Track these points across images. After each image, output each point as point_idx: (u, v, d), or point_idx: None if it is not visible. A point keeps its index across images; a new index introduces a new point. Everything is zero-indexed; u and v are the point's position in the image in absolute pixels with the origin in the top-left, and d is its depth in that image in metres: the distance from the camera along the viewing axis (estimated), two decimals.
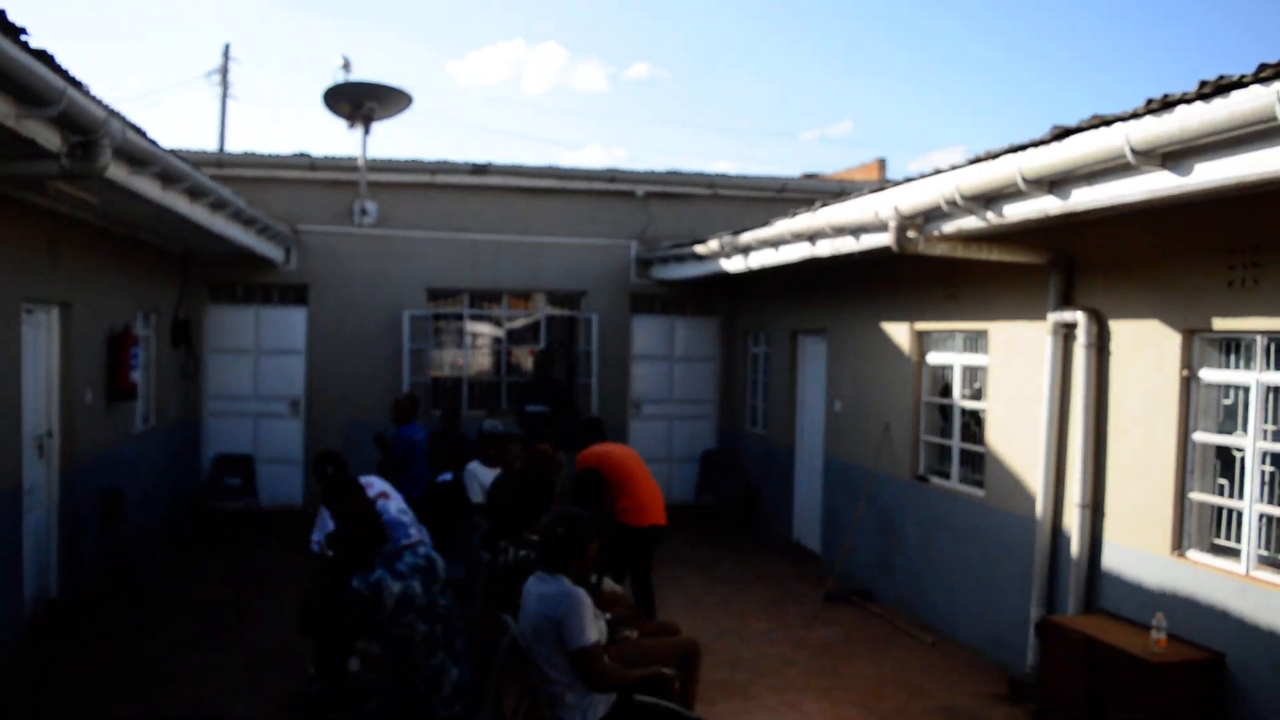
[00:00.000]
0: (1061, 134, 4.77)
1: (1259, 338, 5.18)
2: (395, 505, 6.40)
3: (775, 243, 8.61)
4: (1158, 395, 5.68)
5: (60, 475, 7.83)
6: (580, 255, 12.32)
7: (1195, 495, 5.53)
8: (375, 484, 6.75)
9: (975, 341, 7.69)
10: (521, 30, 75.36)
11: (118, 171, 5.26)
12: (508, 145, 66.89)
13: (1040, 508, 6.57)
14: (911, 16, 68.83)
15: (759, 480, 11.69)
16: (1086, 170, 4.71)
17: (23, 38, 3.69)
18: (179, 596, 8.39)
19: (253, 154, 11.64)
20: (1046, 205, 5.13)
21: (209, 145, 20.64)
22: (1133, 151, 4.26)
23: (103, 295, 8.63)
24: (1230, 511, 5.40)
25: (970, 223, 5.82)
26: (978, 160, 5.53)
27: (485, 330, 12.80)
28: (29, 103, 3.97)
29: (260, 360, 11.86)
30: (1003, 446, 7.13)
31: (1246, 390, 5.28)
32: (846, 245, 7.38)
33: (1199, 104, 3.94)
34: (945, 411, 8.14)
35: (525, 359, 12.85)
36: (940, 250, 6.35)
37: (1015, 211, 5.40)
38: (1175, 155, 4.25)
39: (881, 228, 6.56)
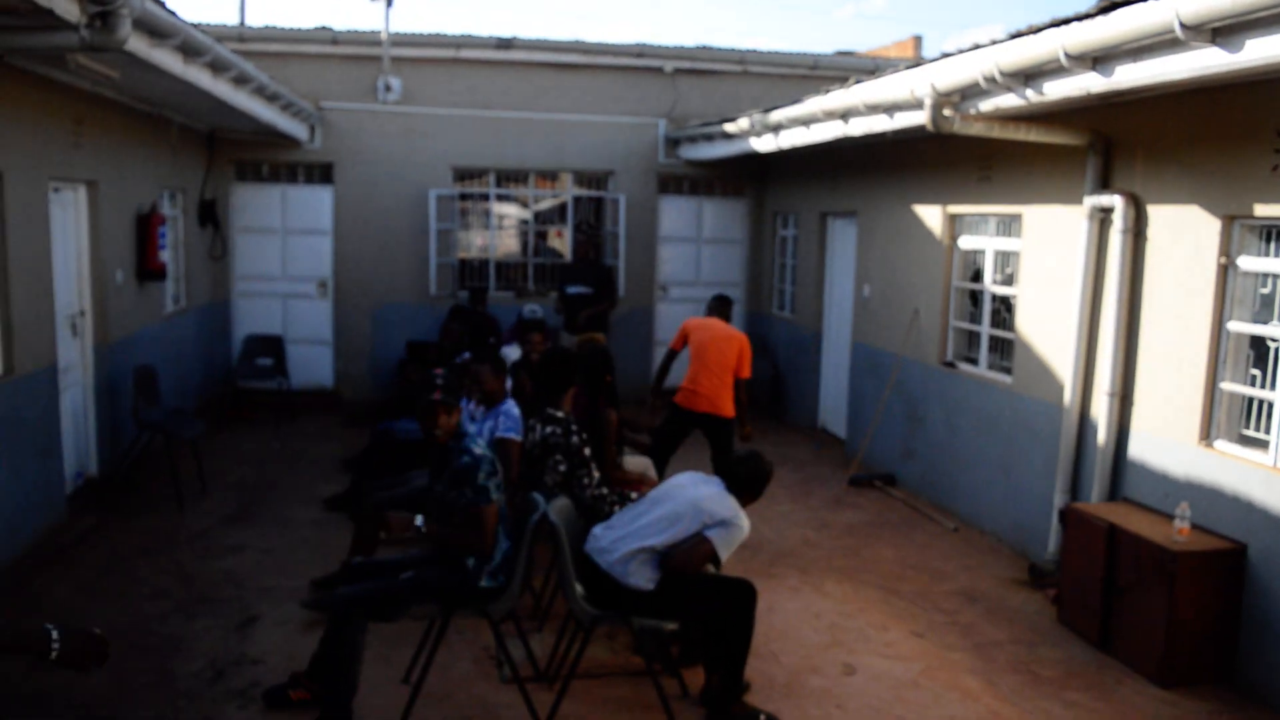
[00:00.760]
0: (1107, 7, 4.58)
1: None
2: None
3: (807, 121, 8.42)
4: (1194, 283, 5.58)
5: (94, 354, 7.92)
6: (608, 134, 12.11)
7: (1226, 385, 5.46)
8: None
9: (1009, 225, 7.56)
10: None
11: (138, 44, 5.16)
12: (533, 18, 65.22)
13: (1068, 395, 6.53)
14: None
15: (786, 365, 11.69)
16: (1132, 46, 4.53)
17: None
18: (213, 474, 8.57)
19: (274, 28, 11.41)
20: (1089, 83, 4.96)
21: (230, 18, 20.29)
22: (1182, 26, 4.08)
23: (129, 174, 8.59)
24: (1261, 403, 5.34)
25: (1009, 101, 5.65)
26: (1019, 35, 5.34)
27: (512, 211, 12.70)
28: None
29: (288, 240, 11.85)
30: (1033, 333, 7.06)
31: None
32: (880, 124, 7.21)
33: None
34: (975, 297, 8.06)
35: (553, 239, 12.79)
36: (976, 130, 6.19)
37: (1056, 89, 5.23)
38: (1226, 31, 4.07)
39: (917, 105, 6.39)
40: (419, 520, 6.91)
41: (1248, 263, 5.34)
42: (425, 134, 11.74)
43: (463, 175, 12.11)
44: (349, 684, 4.31)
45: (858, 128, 7.60)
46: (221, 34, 10.81)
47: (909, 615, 6.08)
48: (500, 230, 12.52)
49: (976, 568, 6.93)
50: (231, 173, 11.61)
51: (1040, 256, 6.99)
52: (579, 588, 4.57)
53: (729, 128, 10.10)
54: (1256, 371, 5.38)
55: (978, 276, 8.02)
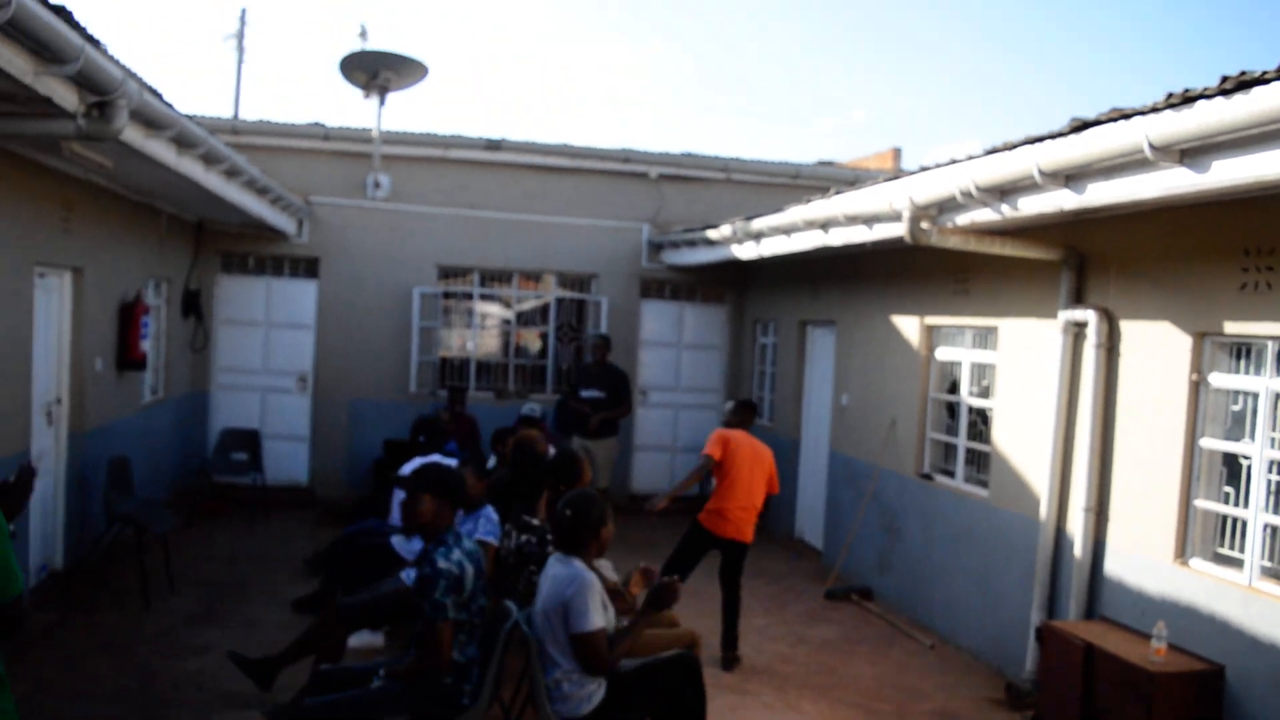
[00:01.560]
0: (1080, 126, 4.74)
1: (1270, 343, 5.13)
2: None
3: (788, 230, 8.59)
4: (1166, 399, 5.65)
5: (68, 443, 7.84)
6: (592, 236, 12.29)
7: (1200, 503, 5.49)
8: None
9: (985, 338, 7.66)
10: (541, 5, 74.93)
11: (134, 134, 5.25)
12: (521, 118, 66.62)
13: (1044, 510, 6.54)
14: (928, 5, 68.40)
15: None
16: (1104, 165, 4.67)
17: None
18: (182, 569, 8.41)
19: (267, 122, 11.62)
20: (1062, 199, 5.10)
21: (224, 110, 20.63)
22: (1151, 147, 4.23)
23: (115, 262, 8.64)
24: (1235, 520, 5.37)
25: (984, 215, 5.79)
26: (994, 151, 5.50)
27: (494, 310, 12.79)
28: (47, 59, 3.95)
29: (270, 333, 11.86)
30: (1009, 446, 7.10)
31: (1256, 397, 5.24)
32: (859, 234, 7.36)
33: (1220, 100, 3.89)
34: (952, 409, 8.12)
35: (532, 339, 12.85)
36: (953, 243, 6.33)
37: (1030, 205, 5.37)
38: (1194, 152, 4.21)
39: (895, 218, 6.53)
40: (378, 638, 6.79)
41: (1219, 379, 5.42)
42: (412, 231, 11.88)
43: (447, 273, 12.22)
44: None
45: (837, 238, 7.76)
46: (215, 126, 10.97)
47: None
48: (483, 330, 12.58)
49: (954, 686, 6.83)
50: (217, 264, 11.67)
51: (1016, 369, 7.07)
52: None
53: (711, 234, 10.28)
54: (1229, 489, 5.41)
55: (954, 388, 8.09)
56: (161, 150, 5.89)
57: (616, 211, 12.35)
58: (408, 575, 6.21)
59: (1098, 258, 6.26)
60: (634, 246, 12.37)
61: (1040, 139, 5.06)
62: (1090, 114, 4.78)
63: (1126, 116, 4.41)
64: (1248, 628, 5.01)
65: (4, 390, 6.50)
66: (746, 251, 9.67)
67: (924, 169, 6.36)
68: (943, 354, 8.20)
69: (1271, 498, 5.15)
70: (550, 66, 74.64)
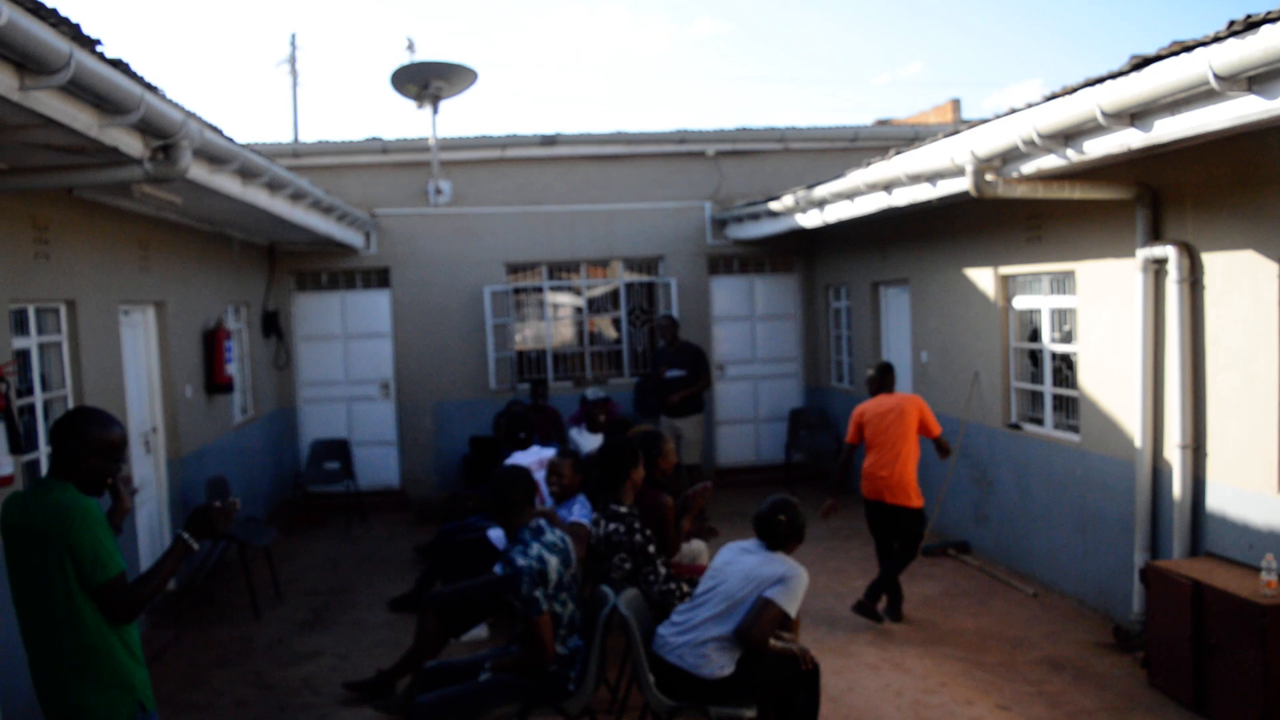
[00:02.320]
0: (1140, 64, 4.60)
1: None
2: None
3: (850, 194, 8.49)
4: (1256, 328, 5.48)
5: (167, 469, 8.12)
6: (655, 219, 12.29)
7: None
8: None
9: (1062, 283, 7.51)
10: None
11: (199, 171, 5.40)
12: (575, 113, 66.74)
13: (1139, 450, 6.41)
14: None
15: None
16: (1168, 100, 4.54)
17: (98, 48, 3.80)
18: (287, 579, 8.67)
19: (326, 142, 11.83)
20: (1128, 139, 4.96)
21: (283, 132, 21.01)
22: (1216, 77, 4.09)
23: (194, 292, 8.89)
24: None
25: (1050, 161, 5.67)
26: (1054, 97, 5.37)
27: (565, 300, 12.88)
28: (109, 111, 4.09)
29: (349, 345, 12.10)
30: (1097, 389, 6.96)
31: None
32: (923, 193, 7.25)
33: None
34: (1035, 356, 7.98)
35: (606, 325, 12.92)
36: (1020, 192, 6.20)
37: (1096, 147, 5.24)
38: (1262, 78, 4.07)
39: (959, 173, 6.43)
40: (483, 630, 6.97)
41: None
42: (477, 233, 12.00)
43: (515, 269, 12.33)
44: None
45: (901, 198, 7.65)
46: (276, 152, 11.23)
47: (994, 688, 5.92)
48: (555, 321, 12.68)
49: (1059, 634, 6.75)
50: (292, 283, 11.94)
51: (1098, 312, 6.92)
52: (653, 678, 4.54)
53: (774, 206, 10.21)
54: None
55: (1035, 336, 7.94)
56: (227, 183, 6.04)
57: (677, 192, 12.32)
58: (499, 568, 6.33)
59: (1172, 192, 6.09)
60: (698, 225, 12.34)
61: (1101, 80, 4.92)
62: (1150, 50, 4.64)
63: (1189, 49, 4.26)
64: None
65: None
66: (811, 220, 9.59)
67: (984, 121, 6.23)
68: (1020, 303, 8.05)
69: None
70: (599, 55, 74.54)
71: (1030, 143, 5.55)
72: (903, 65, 64.66)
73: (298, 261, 11.82)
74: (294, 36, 30.36)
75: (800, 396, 12.69)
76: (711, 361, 12.28)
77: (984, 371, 8.41)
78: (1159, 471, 6.35)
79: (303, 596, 8.33)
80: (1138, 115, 4.85)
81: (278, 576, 8.48)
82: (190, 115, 4.68)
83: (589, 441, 8.86)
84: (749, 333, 12.61)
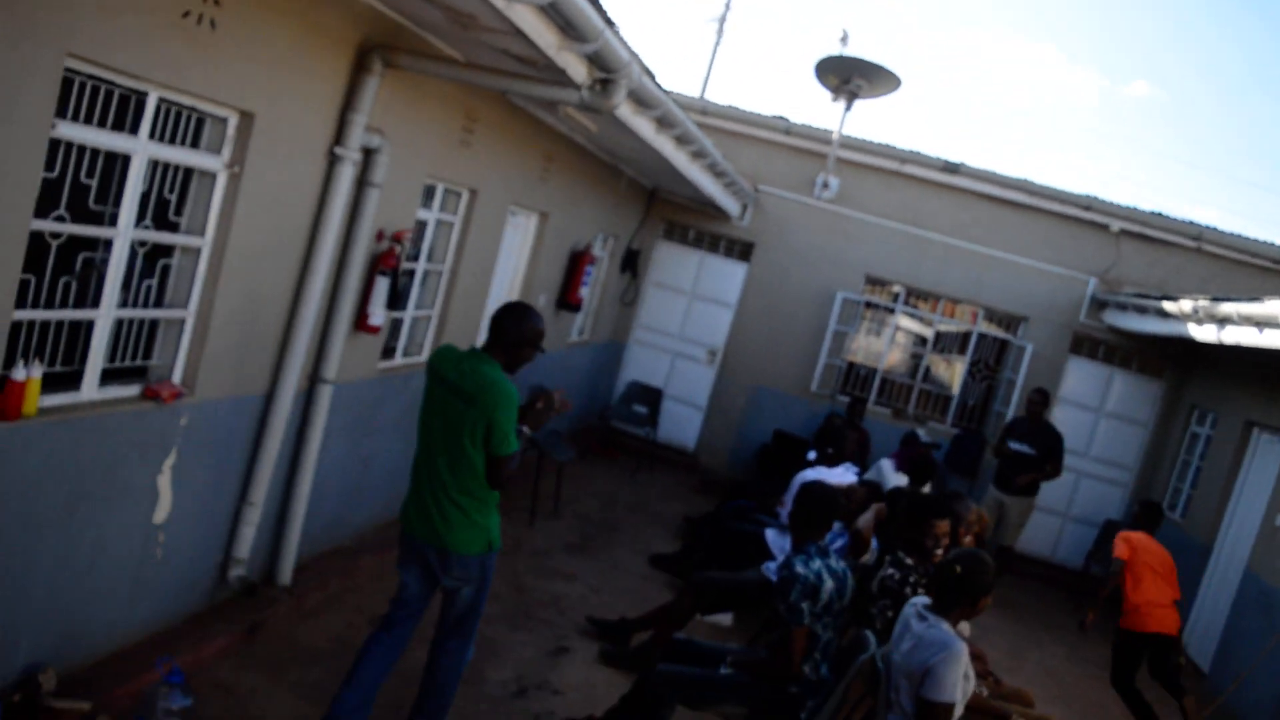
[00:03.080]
0: None
1: None
2: None
3: (1262, 323, 7.65)
4: None
5: None
6: (1031, 279, 11.67)
7: None
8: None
9: None
10: (1022, 26, 71.73)
11: (625, 110, 5.67)
12: (976, 142, 64.41)
13: None
14: None
15: None
16: None
17: None
18: (568, 499, 9.10)
19: (735, 108, 12.06)
20: None
21: (692, 89, 21.65)
22: None
23: (576, 212, 9.40)
24: None
25: None
26: None
27: (912, 327, 12.55)
28: (571, 37, 4.36)
29: (693, 304, 12.42)
30: None
31: None
32: None
33: None
34: None
35: (942, 367, 12.49)
36: None
37: None
38: None
39: None
40: (728, 618, 7.03)
41: None
42: (849, 236, 11.91)
43: (873, 282, 12.14)
44: None
45: None
46: (686, 105, 11.59)
47: None
48: (894, 345, 12.40)
49: None
50: (660, 230, 12.37)
51: None
52: None
53: (1168, 306, 9.40)
54: None
55: None
56: (643, 126, 6.30)
57: (1064, 258, 11.62)
58: (769, 568, 6.34)
59: None
60: (1074, 298, 11.60)
61: None
62: None
63: None
64: None
65: (464, 308, 7.36)
66: (1205, 333, 8.74)
67: None
68: None
69: None
70: (1017, 93, 71.47)
71: None
72: None
73: (672, 211, 12.23)
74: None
75: (1121, 509, 11.74)
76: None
77: None
78: None
79: (576, 520, 8.72)
80: None
81: (560, 494, 8.91)
82: (635, 57, 4.89)
83: (895, 479, 8.63)
84: (1090, 425, 11.76)
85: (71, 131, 3.57)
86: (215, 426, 4.74)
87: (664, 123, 6.62)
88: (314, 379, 5.44)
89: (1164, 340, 10.52)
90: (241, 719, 4.38)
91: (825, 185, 11.86)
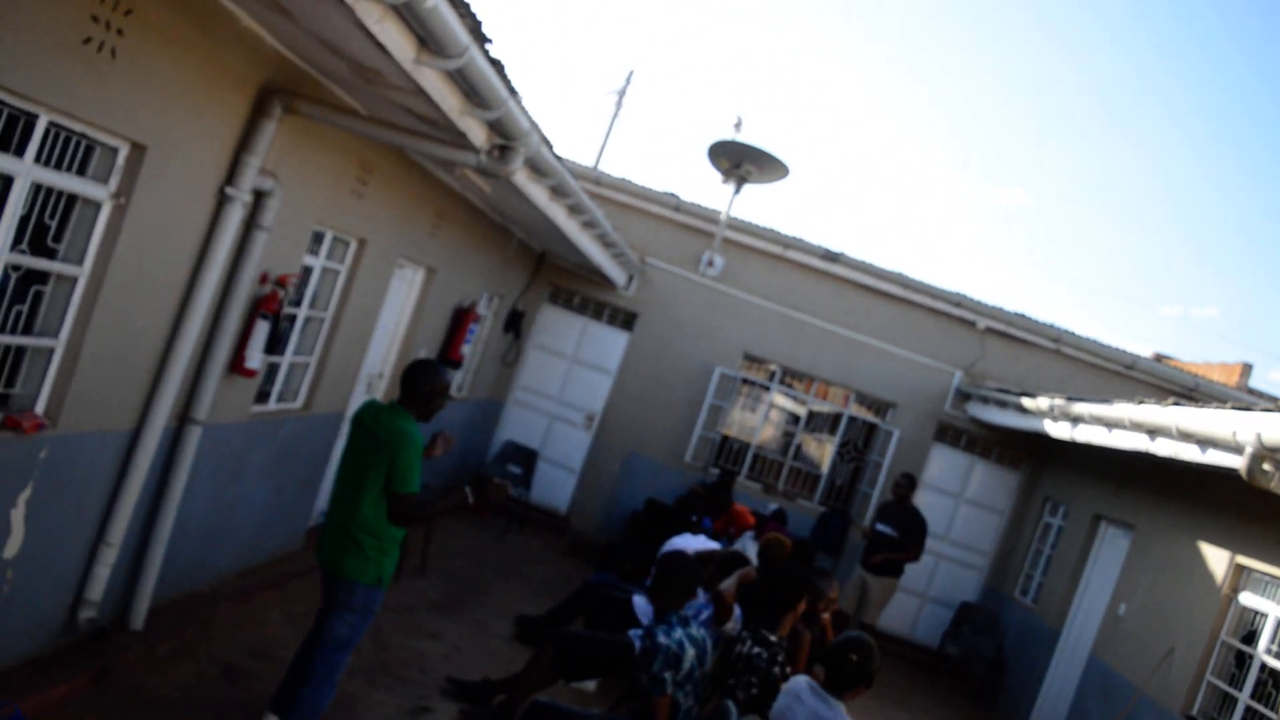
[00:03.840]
0: None
1: None
2: None
3: (1111, 424, 8.12)
4: None
5: None
6: (901, 368, 12.13)
7: None
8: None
9: None
10: (907, 128, 75.15)
11: (520, 177, 5.77)
12: (849, 226, 66.74)
13: None
14: None
15: (1011, 651, 11.00)
16: None
17: (486, 46, 4.14)
18: (436, 556, 8.97)
19: (628, 181, 12.29)
20: None
21: (586, 156, 21.94)
22: None
23: (463, 270, 9.42)
24: None
25: None
26: None
27: (786, 405, 12.87)
28: (474, 104, 4.44)
29: (573, 368, 12.50)
30: None
31: None
32: (1188, 453, 6.86)
33: None
34: (1242, 658, 7.36)
35: (814, 446, 12.80)
36: None
37: None
38: None
39: (1235, 450, 6.05)
40: (592, 684, 7.02)
41: None
42: (730, 313, 12.19)
43: (751, 360, 12.43)
44: None
45: (1163, 449, 7.26)
46: (580, 173, 11.82)
47: None
48: (768, 422, 12.67)
49: None
50: (546, 294, 12.47)
51: None
52: None
53: (1026, 403, 9.88)
54: None
55: (1251, 639, 7.34)
56: (537, 193, 6.42)
57: (933, 350, 12.14)
58: (635, 635, 6.36)
59: None
60: (940, 388, 12.10)
61: None
62: None
63: None
64: None
65: (343, 356, 7.28)
66: (1059, 431, 9.22)
67: (1277, 403, 5.86)
68: (1247, 599, 7.47)
69: None
70: (899, 188, 74.50)
71: None
72: (1197, 304, 61.25)
73: (560, 276, 12.34)
74: (631, 73, 31.95)
75: (976, 592, 12.16)
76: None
77: (1181, 652, 7.83)
78: None
79: (443, 578, 8.60)
80: None
81: (428, 551, 8.78)
82: (535, 126, 5.01)
83: (753, 552, 8.78)
84: (950, 510, 12.19)
85: None
86: (76, 461, 4.57)
87: (558, 191, 6.74)
88: (184, 419, 5.30)
89: (1022, 434, 11.03)
90: None
91: (710, 263, 12.15)
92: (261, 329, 5.65)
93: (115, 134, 4.17)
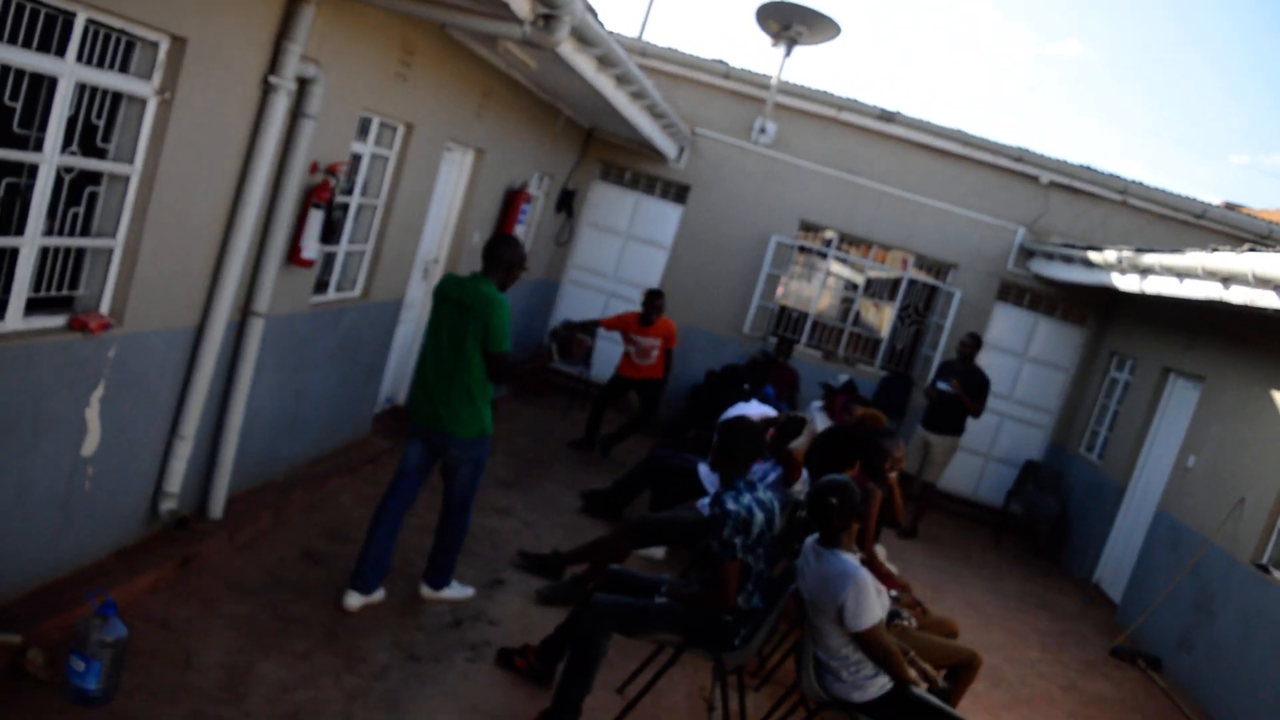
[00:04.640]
0: None
1: None
2: None
3: (1182, 274, 7.88)
4: None
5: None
6: (960, 227, 11.87)
7: None
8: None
9: None
10: None
11: (566, 47, 5.62)
12: (911, 95, 64.79)
13: None
14: None
15: (1076, 508, 11.01)
16: None
17: None
18: (502, 436, 9.10)
19: (674, 50, 11.97)
20: None
21: (629, 27, 21.40)
22: None
23: (512, 150, 9.31)
24: None
25: None
26: None
27: (844, 273, 12.72)
28: None
29: (627, 245, 12.42)
30: None
31: None
32: (1265, 299, 6.64)
33: None
34: None
35: (872, 311, 12.69)
36: None
37: None
38: None
39: None
40: (660, 552, 7.17)
41: None
42: (784, 181, 11.97)
43: (807, 227, 12.24)
44: (584, 684, 4.51)
45: (1238, 296, 7.04)
46: (627, 45, 11.49)
47: None
48: (826, 289, 12.55)
49: None
50: (597, 171, 12.32)
51: None
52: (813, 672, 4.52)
53: (1093, 256, 9.63)
54: None
55: None
56: (584, 64, 6.26)
57: (994, 208, 11.83)
58: (703, 505, 6.46)
59: None
60: (1003, 247, 11.83)
61: None
62: None
63: None
64: None
65: (398, 242, 7.29)
66: (1128, 283, 8.98)
67: None
68: None
69: None
70: (954, 45, 71.78)
71: None
72: (1268, 151, 58.88)
73: (609, 152, 12.16)
74: None
75: (1041, 451, 12.12)
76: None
77: (1252, 501, 7.76)
78: None
79: (510, 456, 8.75)
80: None
81: (495, 430, 8.89)
82: None
83: (820, 421, 8.80)
84: (1014, 370, 12.06)
85: None
86: (144, 359, 4.66)
87: (605, 62, 6.57)
88: (246, 312, 5.37)
89: (1087, 289, 10.81)
90: (175, 652, 4.37)
91: (762, 130, 11.88)
92: (315, 218, 5.66)
93: (154, 28, 4.11)
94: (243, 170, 4.96)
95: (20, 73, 3.65)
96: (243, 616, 4.85)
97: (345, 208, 6.38)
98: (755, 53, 60.55)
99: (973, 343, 10.35)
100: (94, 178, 4.22)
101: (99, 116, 4.11)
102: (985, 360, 11.66)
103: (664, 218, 12.32)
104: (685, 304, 12.14)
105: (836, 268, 12.58)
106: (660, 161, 12.03)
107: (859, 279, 12.52)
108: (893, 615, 4.98)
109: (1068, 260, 10.56)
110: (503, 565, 6.38)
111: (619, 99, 7.80)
